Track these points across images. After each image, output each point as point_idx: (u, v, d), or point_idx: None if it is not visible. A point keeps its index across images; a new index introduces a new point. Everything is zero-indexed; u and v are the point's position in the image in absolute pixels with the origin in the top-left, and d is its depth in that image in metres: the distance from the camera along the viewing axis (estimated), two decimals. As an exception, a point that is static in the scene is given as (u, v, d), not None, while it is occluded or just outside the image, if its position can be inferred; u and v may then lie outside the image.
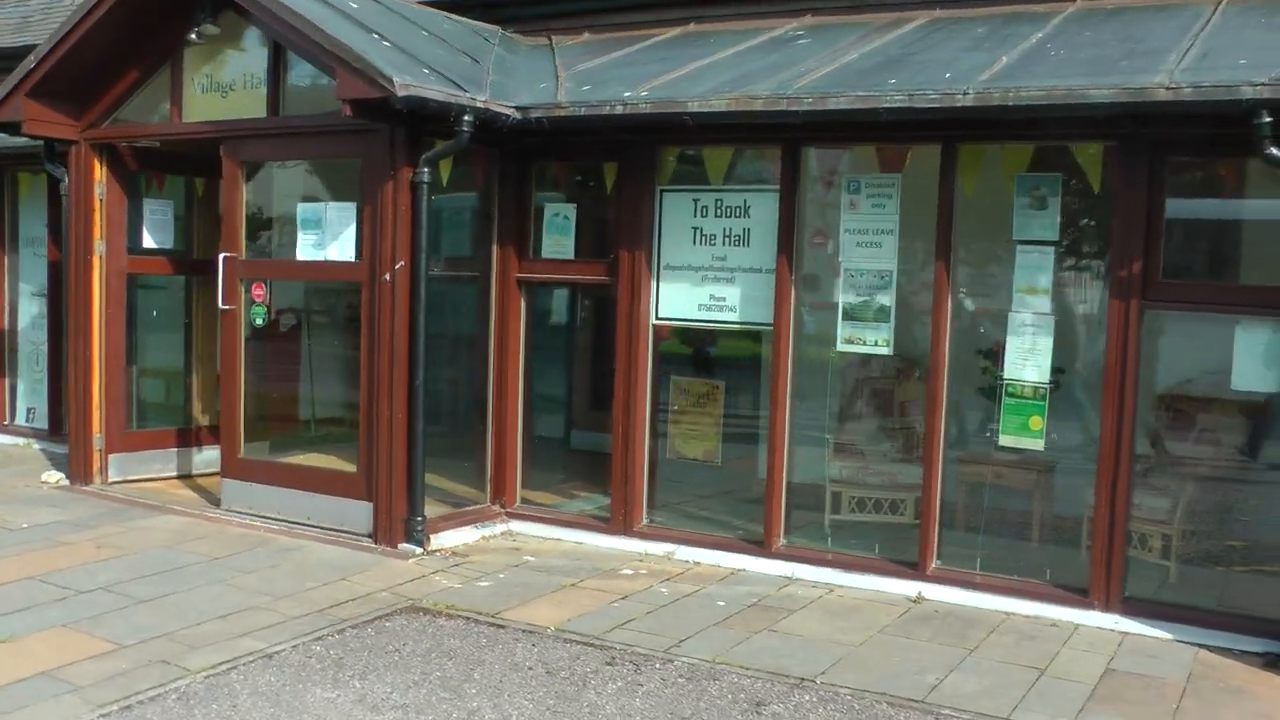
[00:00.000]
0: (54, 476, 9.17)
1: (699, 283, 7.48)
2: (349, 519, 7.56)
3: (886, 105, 6.33)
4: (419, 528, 7.26)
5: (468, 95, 7.00)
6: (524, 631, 5.91)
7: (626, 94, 7.13)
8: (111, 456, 9.03)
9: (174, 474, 9.39)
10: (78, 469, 8.99)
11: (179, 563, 6.96)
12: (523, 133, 7.49)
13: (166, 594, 6.37)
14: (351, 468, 7.86)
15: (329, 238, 7.63)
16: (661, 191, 7.56)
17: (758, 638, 5.94)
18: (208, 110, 8.23)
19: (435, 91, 6.78)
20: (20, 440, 10.92)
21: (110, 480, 9.02)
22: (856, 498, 7.72)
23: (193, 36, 8.04)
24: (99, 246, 8.89)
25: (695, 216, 7.48)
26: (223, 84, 8.17)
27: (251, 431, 8.31)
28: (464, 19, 9.18)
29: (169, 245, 9.39)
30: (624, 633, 5.94)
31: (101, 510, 8.25)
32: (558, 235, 7.93)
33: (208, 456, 9.55)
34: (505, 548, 7.53)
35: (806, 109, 6.53)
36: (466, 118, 6.93)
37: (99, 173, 8.89)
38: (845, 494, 7.74)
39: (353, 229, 7.53)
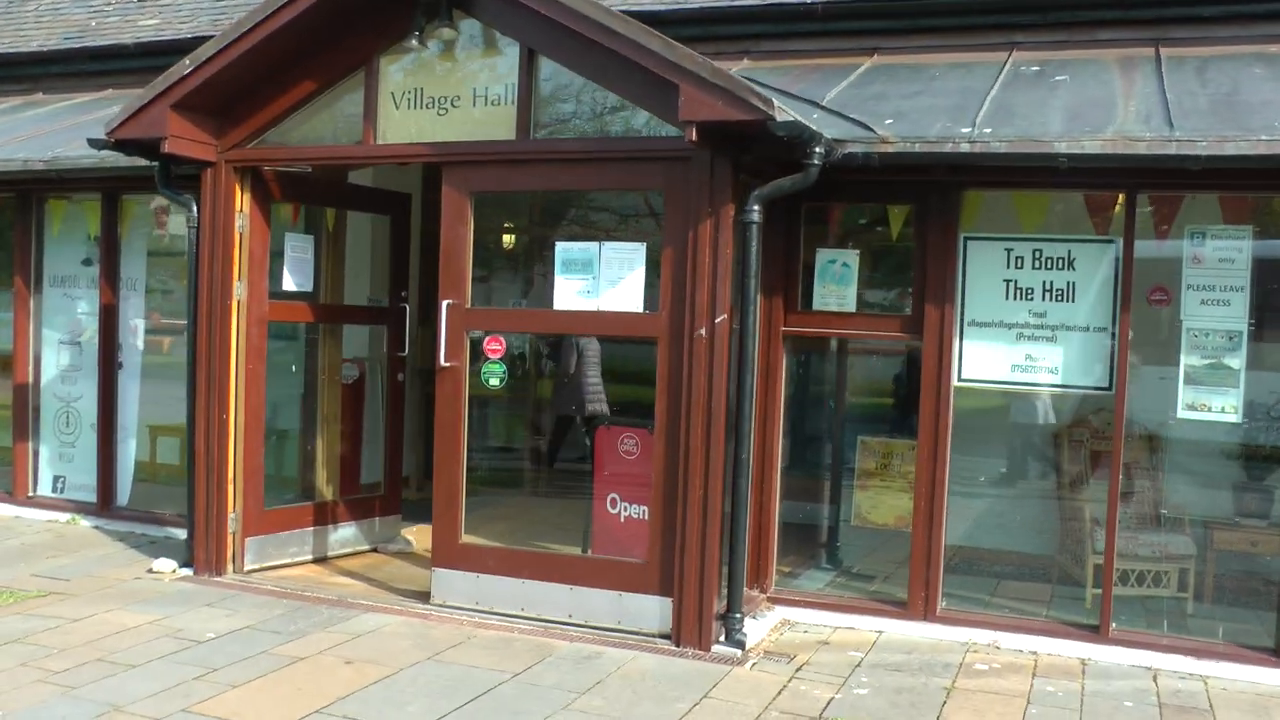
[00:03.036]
0: (168, 565, 7.57)
1: (1013, 341, 6.74)
2: (630, 616, 6.42)
3: (1302, 151, 5.83)
4: (738, 626, 6.21)
5: (813, 123, 6.09)
6: (1004, 756, 5.02)
7: (964, 130, 6.39)
8: (248, 540, 7.51)
9: (309, 557, 7.92)
10: (207, 556, 7.42)
11: (478, 683, 5.67)
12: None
13: (521, 727, 5.16)
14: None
15: (603, 284, 6.51)
16: (966, 240, 6.81)
17: (1241, 748, 5.25)
18: (417, 130, 6.92)
19: (801, 117, 5.85)
20: (61, 516, 9.07)
21: (247, 568, 7.50)
22: (1128, 570, 7.19)
23: (413, 42, 6.77)
24: (238, 289, 7.41)
25: (1008, 268, 6.75)
26: (440, 99, 6.89)
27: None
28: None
29: (308, 287, 7.95)
30: (1104, 751, 5.14)
31: (278, 610, 6.78)
32: (833, 285, 7.03)
33: (343, 535, 8.17)
34: (811, 641, 6.54)
35: (1206, 153, 5.95)
36: (818, 149, 6.01)
37: (239, 201, 7.43)
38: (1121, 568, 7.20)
39: (640, 274, 6.44)
